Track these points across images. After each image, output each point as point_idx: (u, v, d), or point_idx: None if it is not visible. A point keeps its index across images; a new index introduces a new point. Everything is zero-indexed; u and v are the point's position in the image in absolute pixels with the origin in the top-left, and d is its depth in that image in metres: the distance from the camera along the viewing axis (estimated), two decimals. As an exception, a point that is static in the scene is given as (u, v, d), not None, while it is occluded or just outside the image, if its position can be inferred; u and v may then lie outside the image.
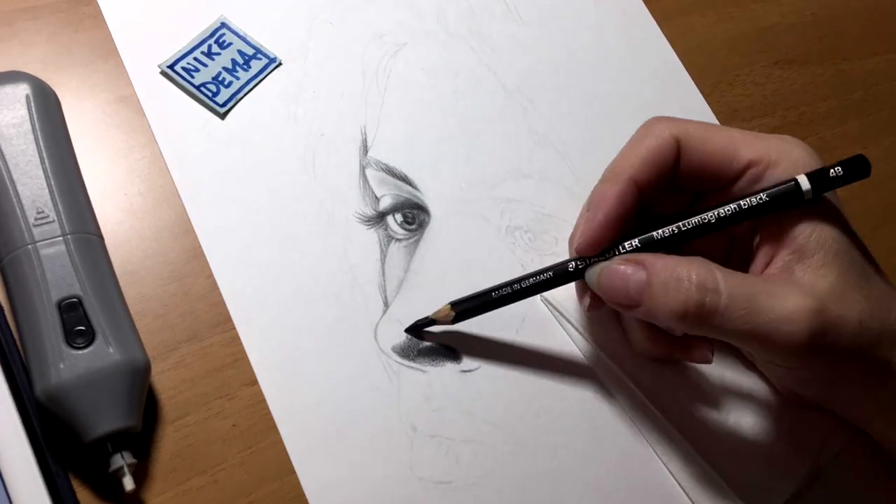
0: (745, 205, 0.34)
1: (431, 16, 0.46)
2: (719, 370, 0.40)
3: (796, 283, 0.33)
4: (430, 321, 0.38)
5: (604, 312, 0.40)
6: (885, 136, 0.53)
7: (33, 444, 0.31)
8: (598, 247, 0.35)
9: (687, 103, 0.49)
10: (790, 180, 0.33)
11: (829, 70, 0.54)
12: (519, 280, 0.36)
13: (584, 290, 0.37)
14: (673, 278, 0.32)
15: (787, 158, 0.34)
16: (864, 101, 0.54)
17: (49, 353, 0.30)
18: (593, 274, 0.34)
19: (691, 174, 0.36)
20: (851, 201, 0.50)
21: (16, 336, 0.32)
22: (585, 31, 0.49)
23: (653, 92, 0.48)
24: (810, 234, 0.33)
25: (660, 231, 0.35)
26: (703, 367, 0.40)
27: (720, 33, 0.52)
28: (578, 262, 0.35)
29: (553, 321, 0.40)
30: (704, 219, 0.34)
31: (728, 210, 0.34)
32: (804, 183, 0.33)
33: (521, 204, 0.43)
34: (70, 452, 0.32)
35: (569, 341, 0.40)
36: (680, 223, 0.34)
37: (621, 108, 0.47)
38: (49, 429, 0.32)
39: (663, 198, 0.38)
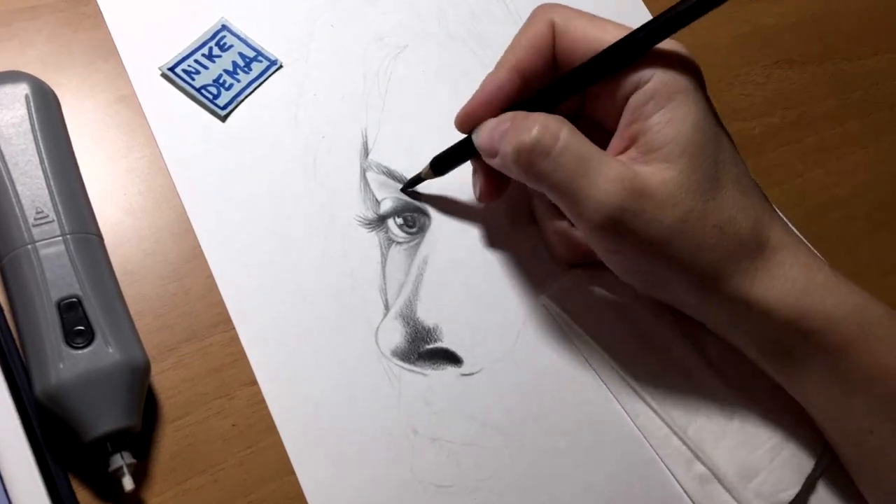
0: (576, 69, 0.35)
1: (432, 18, 0.46)
2: (722, 375, 0.40)
3: (632, 166, 0.33)
4: (418, 179, 0.41)
5: (603, 305, 0.40)
6: (885, 135, 0.53)
7: (33, 444, 0.30)
8: (471, 123, 0.37)
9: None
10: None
11: (829, 70, 0.54)
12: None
13: (475, 180, 0.40)
14: (525, 120, 0.33)
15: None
16: (864, 101, 0.54)
17: (49, 352, 0.30)
18: (477, 131, 0.37)
19: (564, 58, 0.36)
20: (851, 200, 0.50)
21: (15, 336, 0.32)
22: (585, 32, 0.49)
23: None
24: (661, 129, 0.33)
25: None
26: (705, 372, 0.40)
27: (720, 33, 0.52)
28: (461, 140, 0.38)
29: (554, 324, 0.40)
30: (553, 88, 0.35)
31: (574, 74, 0.35)
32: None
33: (522, 206, 0.43)
34: (70, 452, 0.32)
35: (570, 344, 0.40)
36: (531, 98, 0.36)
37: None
38: (49, 429, 0.32)
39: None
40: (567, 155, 0.32)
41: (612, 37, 0.34)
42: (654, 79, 0.33)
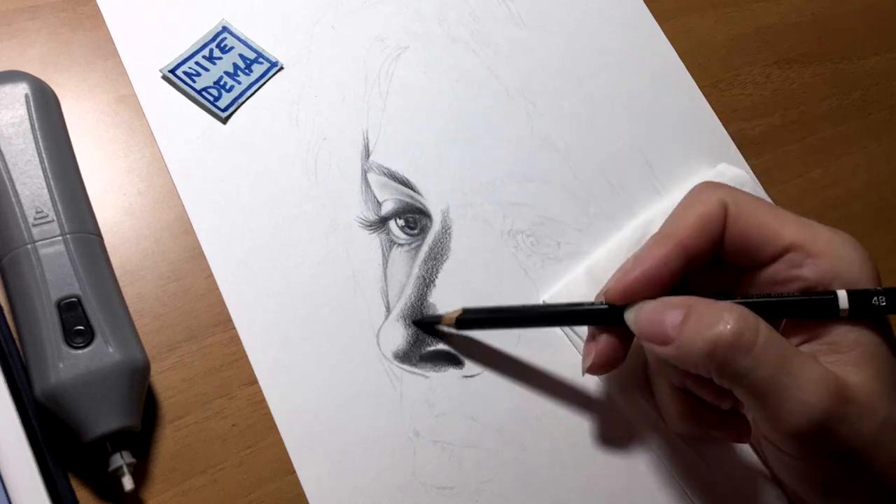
0: (775, 298, 0.32)
1: (433, 19, 0.46)
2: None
3: (828, 368, 0.31)
4: (438, 319, 0.38)
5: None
6: (885, 135, 0.53)
7: (33, 443, 0.30)
8: (627, 298, 0.34)
9: (687, 103, 0.49)
10: (829, 293, 0.32)
11: (829, 70, 0.54)
12: (536, 308, 0.38)
13: (590, 348, 0.35)
14: (714, 310, 0.30)
15: (832, 253, 0.32)
16: (864, 101, 0.54)
17: (48, 352, 0.30)
18: (633, 311, 0.33)
19: (734, 245, 0.34)
20: (852, 202, 0.50)
21: (15, 336, 0.32)
22: (587, 33, 0.49)
23: (654, 93, 0.48)
24: (846, 333, 0.32)
25: None
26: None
27: (720, 33, 0.52)
28: (600, 305, 0.35)
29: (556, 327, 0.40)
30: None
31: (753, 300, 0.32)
32: (843, 301, 0.31)
33: (524, 208, 0.43)
34: (69, 452, 0.32)
35: (571, 346, 0.40)
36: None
37: (623, 111, 0.47)
38: (48, 429, 0.31)
39: (705, 276, 0.36)
40: (770, 352, 0.29)
41: (792, 230, 0.33)
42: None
